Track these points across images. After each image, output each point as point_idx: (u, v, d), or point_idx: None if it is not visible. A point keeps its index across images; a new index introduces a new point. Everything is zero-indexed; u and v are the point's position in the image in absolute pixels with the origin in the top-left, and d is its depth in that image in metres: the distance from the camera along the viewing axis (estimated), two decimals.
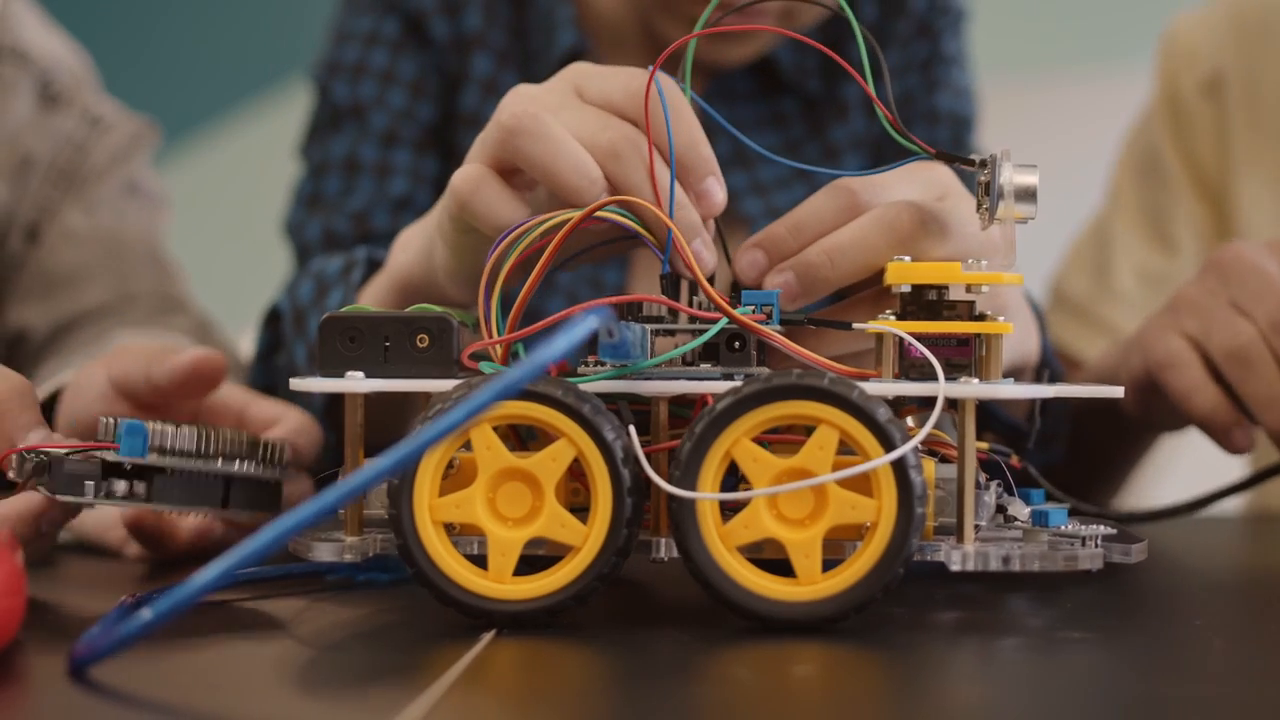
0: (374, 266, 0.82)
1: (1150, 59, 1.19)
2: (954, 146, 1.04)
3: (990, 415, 0.79)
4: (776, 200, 1.00)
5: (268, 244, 1.07)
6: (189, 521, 0.71)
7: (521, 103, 0.64)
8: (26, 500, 0.63)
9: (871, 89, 0.60)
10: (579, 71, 0.66)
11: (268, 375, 0.91)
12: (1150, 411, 0.85)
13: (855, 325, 0.61)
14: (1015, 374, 0.74)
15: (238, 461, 0.64)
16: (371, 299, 0.77)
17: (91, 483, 0.60)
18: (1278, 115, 1.11)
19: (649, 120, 0.61)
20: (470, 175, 0.64)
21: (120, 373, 0.73)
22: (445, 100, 1.01)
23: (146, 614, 0.48)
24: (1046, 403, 0.77)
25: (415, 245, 0.73)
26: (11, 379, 0.64)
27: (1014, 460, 0.63)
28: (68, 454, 0.61)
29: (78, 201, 1.08)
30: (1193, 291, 0.81)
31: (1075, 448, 0.94)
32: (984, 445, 0.62)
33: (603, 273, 0.99)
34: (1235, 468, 1.24)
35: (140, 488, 0.61)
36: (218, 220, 2.74)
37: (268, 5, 2.91)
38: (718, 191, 0.63)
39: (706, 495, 0.55)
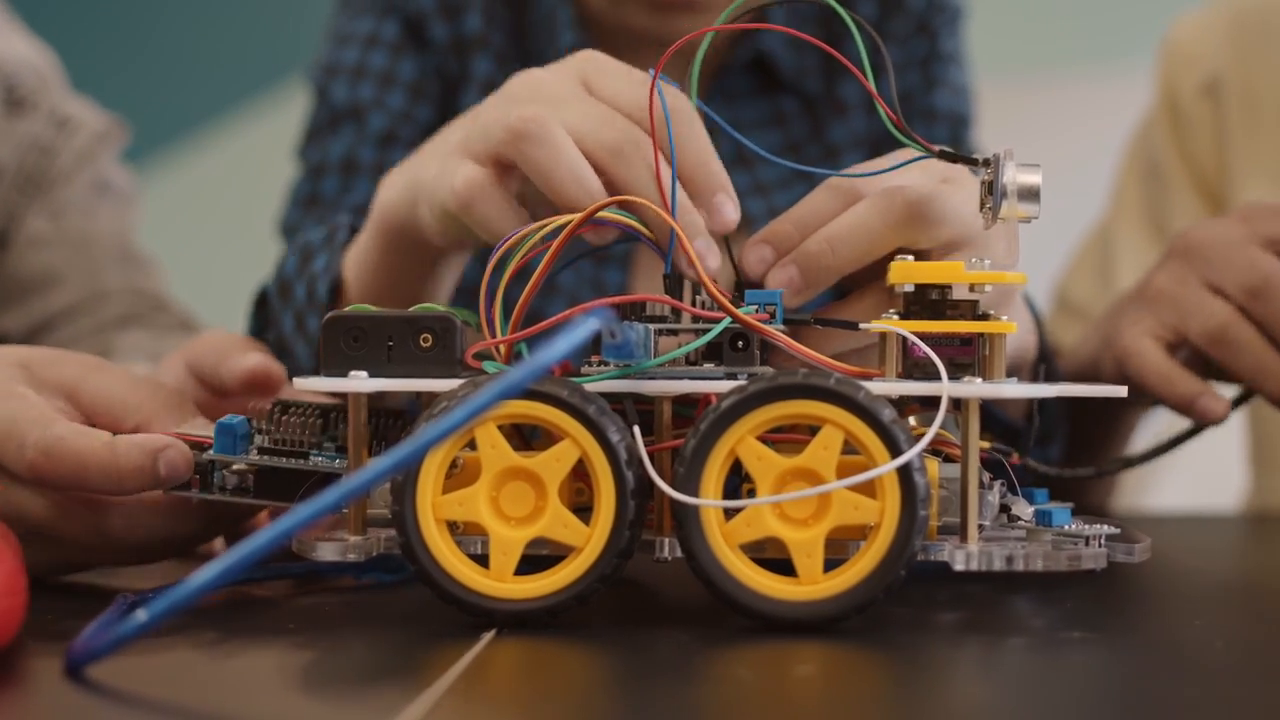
0: (356, 233, 0.83)
1: (1150, 59, 1.19)
2: (952, 145, 1.03)
3: (988, 416, 0.79)
4: (778, 200, 1.00)
5: (266, 245, 1.07)
6: None
7: (529, 98, 0.64)
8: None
9: (873, 87, 0.60)
10: (589, 61, 0.66)
11: None
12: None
13: (861, 326, 0.61)
14: (1012, 371, 0.74)
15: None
16: (357, 250, 0.78)
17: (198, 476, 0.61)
18: (1276, 117, 1.11)
19: (656, 126, 0.61)
20: (473, 181, 0.65)
21: (196, 360, 0.76)
22: (444, 102, 1.01)
23: (142, 615, 0.48)
24: (1043, 402, 0.77)
25: (399, 184, 0.74)
26: (151, 389, 0.65)
27: (1014, 458, 0.63)
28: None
29: (44, 206, 1.08)
30: (1162, 281, 0.81)
31: (1070, 444, 0.94)
32: (985, 444, 0.62)
33: (604, 275, 0.99)
34: (1229, 468, 1.25)
35: (250, 481, 0.61)
36: (216, 221, 2.74)
37: (266, 7, 2.90)
38: (728, 207, 0.63)
39: (710, 502, 0.54)
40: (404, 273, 0.77)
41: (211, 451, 0.61)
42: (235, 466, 0.61)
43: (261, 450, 0.62)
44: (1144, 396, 0.82)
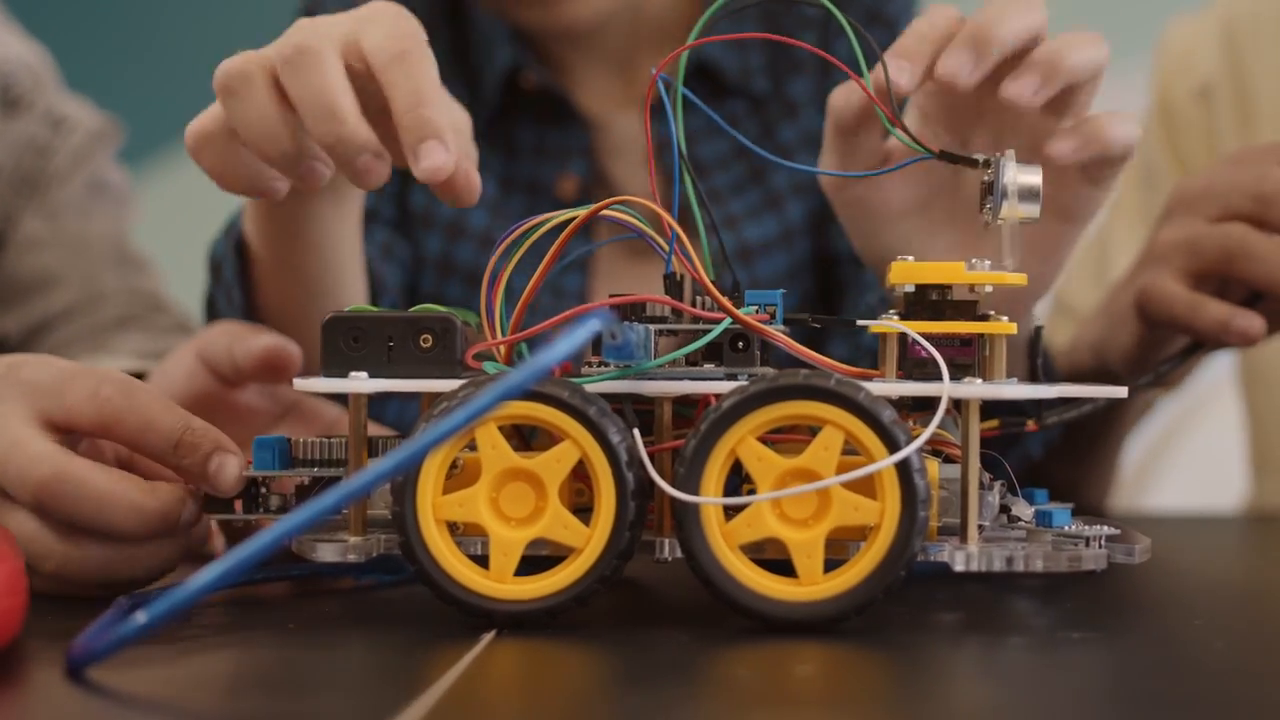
0: None
1: (1147, 60, 1.19)
2: None
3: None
4: (732, 207, 1.00)
5: None
6: None
7: (242, 58, 0.65)
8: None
9: (864, 85, 0.60)
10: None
11: None
12: (1153, 359, 0.84)
13: (859, 323, 0.61)
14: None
15: None
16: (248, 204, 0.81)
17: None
18: (1269, 120, 1.12)
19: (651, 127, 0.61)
20: (196, 130, 0.66)
21: (207, 348, 0.75)
22: None
23: (142, 616, 0.48)
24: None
25: None
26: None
27: (1031, 425, 0.63)
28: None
29: (40, 206, 1.08)
30: (1167, 233, 0.80)
31: (1064, 441, 0.94)
32: (994, 423, 0.62)
33: (564, 280, 0.99)
34: (1229, 468, 1.25)
35: (294, 502, 0.61)
36: (214, 222, 2.73)
37: (265, 7, 2.91)
38: (437, 153, 0.61)
39: (709, 500, 0.54)
40: (274, 209, 0.78)
41: (252, 468, 0.60)
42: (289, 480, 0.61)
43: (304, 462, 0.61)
44: (1148, 378, 0.81)
